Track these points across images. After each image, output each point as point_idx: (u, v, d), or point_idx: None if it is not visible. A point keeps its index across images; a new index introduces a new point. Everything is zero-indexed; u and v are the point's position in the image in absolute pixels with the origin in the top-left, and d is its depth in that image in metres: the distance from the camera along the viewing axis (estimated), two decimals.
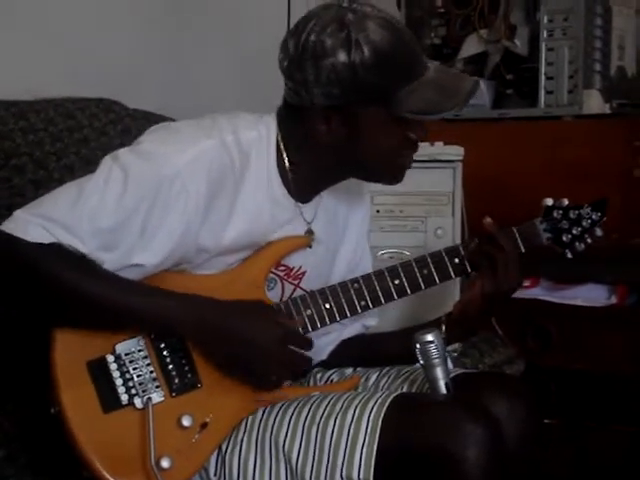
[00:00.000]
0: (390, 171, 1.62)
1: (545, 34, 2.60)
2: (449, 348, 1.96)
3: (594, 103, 2.56)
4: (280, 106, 1.61)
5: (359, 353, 1.78)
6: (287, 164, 1.59)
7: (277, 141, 1.59)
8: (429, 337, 1.53)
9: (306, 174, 1.61)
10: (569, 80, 2.58)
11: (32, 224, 1.44)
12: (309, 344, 1.59)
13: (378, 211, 2.29)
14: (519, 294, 1.78)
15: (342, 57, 1.49)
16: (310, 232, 1.65)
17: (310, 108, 1.54)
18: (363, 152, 1.57)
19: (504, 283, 1.63)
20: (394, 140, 1.56)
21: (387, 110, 1.53)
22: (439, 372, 1.53)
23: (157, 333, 1.53)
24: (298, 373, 1.61)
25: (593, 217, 1.68)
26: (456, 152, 2.30)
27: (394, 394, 1.52)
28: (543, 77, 2.61)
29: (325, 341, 1.77)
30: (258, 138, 1.57)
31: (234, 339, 1.52)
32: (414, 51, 1.56)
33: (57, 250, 1.44)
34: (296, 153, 1.59)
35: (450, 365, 1.63)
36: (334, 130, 1.55)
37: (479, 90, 2.62)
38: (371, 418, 1.47)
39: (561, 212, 1.68)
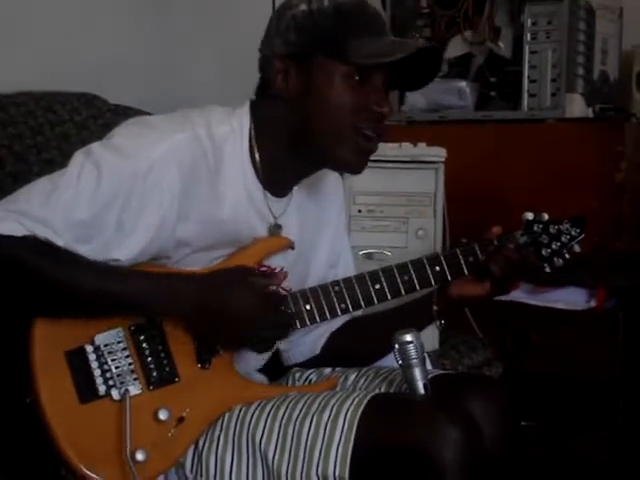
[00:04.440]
0: (343, 142, 1.55)
1: (529, 37, 2.61)
2: (429, 349, 1.98)
3: (576, 107, 2.56)
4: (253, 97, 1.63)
5: (349, 342, 1.78)
6: (257, 155, 1.59)
7: (250, 134, 1.59)
8: (408, 337, 1.52)
9: (274, 160, 1.60)
10: (552, 83, 2.58)
11: (7, 220, 1.43)
12: (285, 298, 1.60)
13: (360, 211, 2.28)
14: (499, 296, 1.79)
15: (303, 7, 1.54)
16: (277, 226, 1.65)
17: (270, 60, 1.56)
18: (314, 109, 1.54)
19: (509, 288, 1.69)
20: (346, 99, 1.53)
21: (340, 61, 1.52)
22: (417, 373, 1.52)
23: (138, 315, 1.52)
24: (286, 329, 1.61)
25: (572, 233, 1.70)
26: (438, 153, 2.29)
27: (371, 394, 1.52)
28: (526, 80, 2.61)
29: (315, 336, 1.78)
30: (231, 132, 1.57)
31: (216, 311, 1.52)
32: (375, 16, 1.57)
33: (33, 242, 1.44)
34: (265, 137, 1.59)
35: (429, 366, 1.63)
36: (290, 81, 1.55)
37: (463, 92, 2.69)
38: (348, 417, 1.47)
39: (541, 226, 1.69)
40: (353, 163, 1.59)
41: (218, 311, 1.52)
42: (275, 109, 1.58)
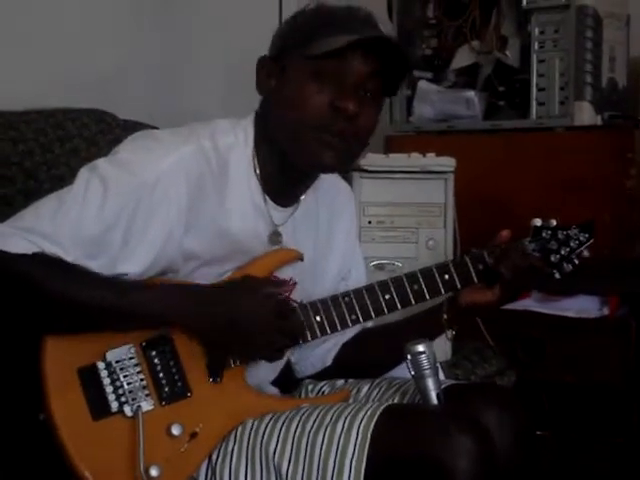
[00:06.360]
0: (306, 139, 1.54)
1: (536, 46, 2.61)
2: (441, 359, 1.97)
3: (585, 115, 2.56)
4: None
5: (360, 353, 1.78)
6: (257, 164, 1.59)
7: (255, 142, 1.60)
8: (420, 348, 1.52)
9: (274, 168, 1.60)
10: (560, 92, 2.58)
11: (15, 237, 1.44)
12: (295, 307, 1.60)
13: (370, 222, 2.28)
14: (511, 305, 1.79)
15: (294, 14, 1.58)
16: (277, 234, 1.65)
17: (259, 64, 1.60)
18: (282, 104, 1.55)
19: (519, 293, 1.66)
20: (308, 94, 1.53)
21: (306, 55, 1.52)
22: (430, 383, 1.52)
23: (152, 326, 1.52)
24: (296, 336, 1.61)
25: (581, 238, 1.69)
26: (448, 163, 2.30)
27: (384, 405, 1.51)
28: (534, 89, 2.61)
29: (326, 347, 1.78)
30: (235, 143, 1.58)
31: (226, 320, 1.52)
32: (354, 16, 1.56)
33: (42, 259, 1.44)
34: (266, 147, 1.60)
35: (441, 376, 1.63)
36: (271, 79, 1.57)
37: (471, 101, 2.69)
38: (361, 429, 1.46)
39: (549, 232, 1.68)
40: (319, 159, 1.55)
41: (228, 320, 1.52)
42: (270, 116, 1.59)
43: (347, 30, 1.52)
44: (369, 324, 1.78)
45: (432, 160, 2.30)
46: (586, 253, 1.69)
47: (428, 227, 2.30)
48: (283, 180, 1.62)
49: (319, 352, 1.78)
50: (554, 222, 1.69)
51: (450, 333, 1.73)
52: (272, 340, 1.56)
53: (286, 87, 1.56)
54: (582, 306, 2.55)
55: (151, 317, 1.51)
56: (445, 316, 1.71)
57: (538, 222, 1.69)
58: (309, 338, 1.63)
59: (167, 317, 1.51)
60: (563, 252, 1.68)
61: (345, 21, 1.55)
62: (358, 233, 1.94)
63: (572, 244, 1.68)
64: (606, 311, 2.53)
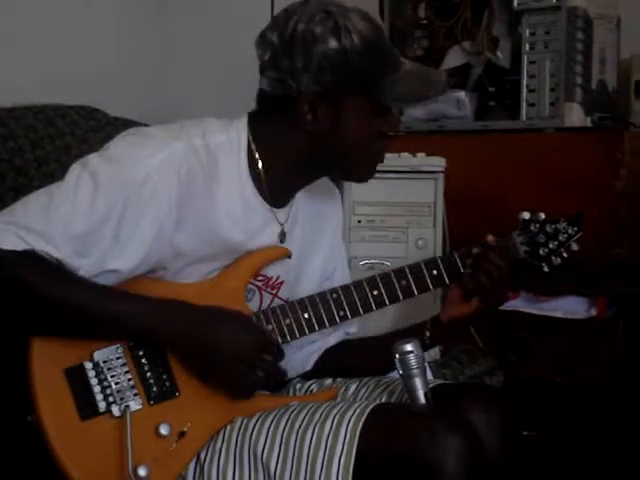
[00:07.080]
0: (365, 166, 1.63)
1: (527, 47, 2.62)
2: (430, 358, 1.98)
3: (575, 116, 2.57)
4: (254, 109, 1.63)
5: (342, 361, 1.78)
6: (260, 166, 1.59)
7: (249, 144, 1.60)
8: (408, 347, 1.53)
9: (280, 173, 1.61)
10: (550, 93, 2.59)
11: (5, 232, 1.44)
12: (281, 355, 1.59)
13: (359, 221, 2.29)
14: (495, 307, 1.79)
15: (333, 44, 1.53)
16: (283, 234, 1.65)
17: (296, 97, 1.55)
18: (343, 142, 1.58)
19: (500, 298, 1.68)
20: (373, 131, 1.59)
21: (373, 99, 1.56)
22: (418, 382, 1.52)
23: (135, 339, 1.52)
24: (271, 382, 1.60)
25: (569, 231, 1.70)
26: (438, 163, 2.31)
27: (372, 404, 1.52)
28: (525, 90, 2.62)
29: (309, 351, 1.77)
30: (227, 142, 1.58)
31: (209, 346, 1.52)
32: (391, 44, 1.62)
33: (32, 257, 1.44)
34: (270, 152, 1.60)
35: (430, 376, 1.63)
36: (319, 118, 1.56)
37: (462, 102, 2.70)
38: (349, 428, 1.47)
39: (538, 226, 1.69)
40: (368, 176, 1.66)
41: (208, 347, 1.52)
42: (283, 126, 1.59)
43: (400, 63, 1.60)
44: (354, 329, 1.79)
45: (422, 160, 2.31)
46: (575, 246, 1.70)
47: (418, 227, 2.31)
48: (286, 183, 1.63)
49: (300, 356, 1.77)
50: (542, 215, 1.70)
51: (433, 352, 1.73)
52: (247, 376, 1.54)
53: (350, 127, 1.57)
54: (570, 307, 2.56)
55: (130, 330, 1.50)
56: (427, 333, 1.71)
57: (526, 215, 1.71)
58: (297, 335, 1.63)
59: (146, 332, 1.51)
60: (552, 245, 1.69)
61: (393, 53, 1.60)
62: (344, 232, 1.95)
63: (561, 237, 1.69)
64: (594, 312, 2.54)
